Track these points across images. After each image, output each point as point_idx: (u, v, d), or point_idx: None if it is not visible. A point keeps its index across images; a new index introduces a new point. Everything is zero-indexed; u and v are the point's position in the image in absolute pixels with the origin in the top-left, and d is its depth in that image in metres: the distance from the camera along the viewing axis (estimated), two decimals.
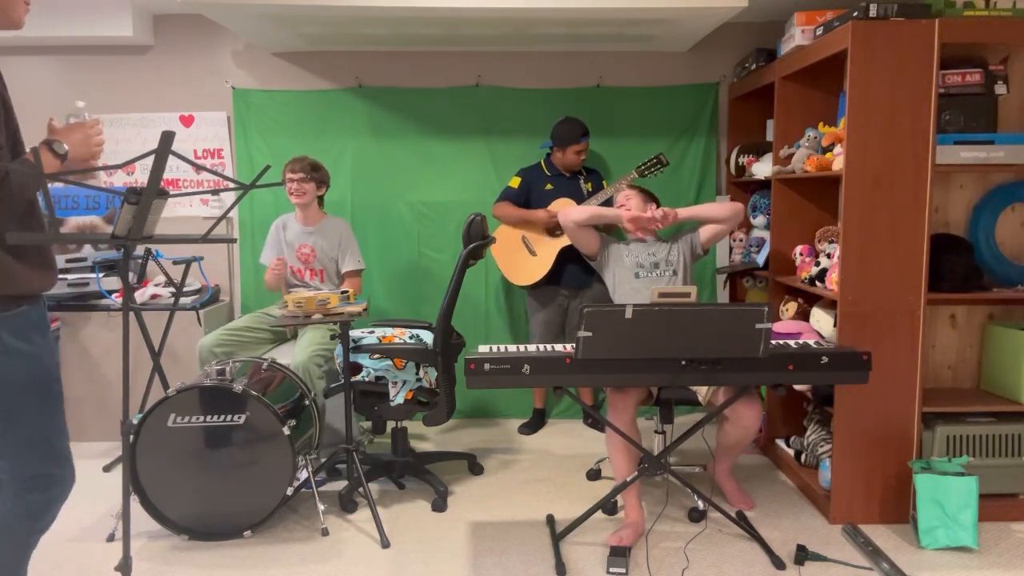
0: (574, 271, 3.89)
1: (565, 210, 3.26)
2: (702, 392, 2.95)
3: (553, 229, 3.85)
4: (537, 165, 4.00)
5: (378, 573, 2.58)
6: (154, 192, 1.87)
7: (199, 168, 1.98)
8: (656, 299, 2.56)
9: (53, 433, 1.94)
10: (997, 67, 2.88)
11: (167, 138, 1.77)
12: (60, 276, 3.82)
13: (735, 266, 4.09)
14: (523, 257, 3.89)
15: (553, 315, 3.96)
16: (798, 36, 3.23)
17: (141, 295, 3.88)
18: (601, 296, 3.95)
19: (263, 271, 3.79)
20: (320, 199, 3.73)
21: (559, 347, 2.59)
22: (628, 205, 3.26)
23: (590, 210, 3.23)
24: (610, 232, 3.64)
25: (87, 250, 3.98)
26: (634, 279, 3.11)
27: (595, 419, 4.14)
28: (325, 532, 2.87)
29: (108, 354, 3.87)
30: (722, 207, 3.21)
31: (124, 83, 4.20)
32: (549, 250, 3.84)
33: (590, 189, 3.92)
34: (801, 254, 3.36)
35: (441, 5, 3.25)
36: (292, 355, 3.45)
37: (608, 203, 3.86)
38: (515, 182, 3.96)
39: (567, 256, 3.84)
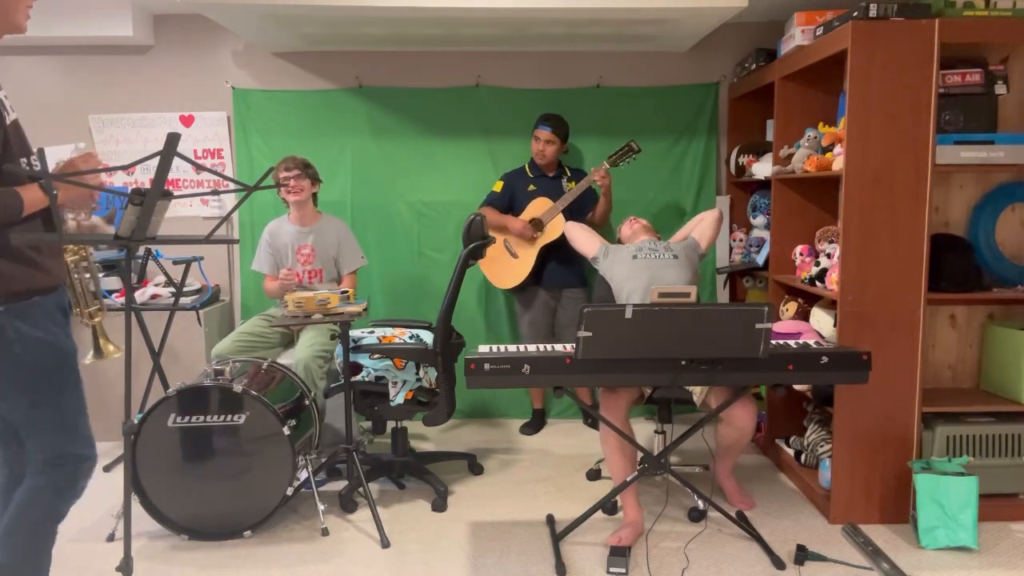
0: (555, 271, 3.92)
1: (569, 223, 3.48)
2: (696, 392, 2.95)
3: (531, 237, 3.87)
4: (521, 167, 4.03)
5: (378, 573, 2.58)
6: (158, 193, 1.87)
7: (200, 169, 1.98)
8: (656, 299, 2.56)
9: (74, 415, 2.04)
10: (997, 67, 2.88)
11: (173, 140, 1.77)
12: None
13: (735, 266, 4.09)
14: (505, 260, 3.92)
15: (540, 316, 3.98)
16: (798, 36, 3.23)
17: (141, 295, 3.88)
18: (585, 296, 3.98)
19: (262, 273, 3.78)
20: (314, 197, 3.71)
21: (559, 347, 2.59)
22: (634, 237, 3.33)
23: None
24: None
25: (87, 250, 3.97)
26: (631, 260, 3.11)
27: (595, 419, 4.15)
28: (325, 532, 2.87)
29: None
30: (705, 212, 3.40)
31: (124, 83, 4.20)
32: (529, 251, 3.86)
33: (572, 189, 3.91)
34: (801, 254, 3.36)
35: (441, 5, 3.25)
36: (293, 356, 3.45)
37: (586, 194, 3.84)
38: (498, 186, 4.01)
39: (548, 256, 3.88)
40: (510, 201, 3.95)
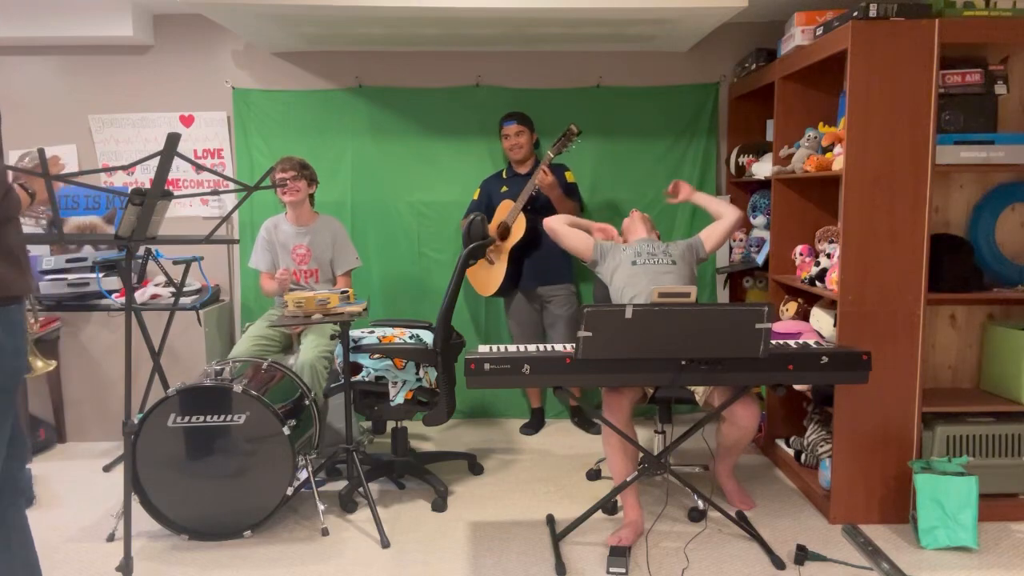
0: (529, 271, 3.91)
1: (548, 219, 3.34)
2: (699, 392, 2.95)
3: (502, 234, 3.86)
4: (498, 172, 4.05)
5: (378, 573, 2.58)
6: (159, 193, 1.87)
7: (200, 169, 1.98)
8: (656, 299, 2.56)
9: None
10: (997, 67, 2.88)
11: (173, 140, 1.78)
12: (60, 276, 3.82)
13: (735, 266, 4.09)
14: (484, 267, 3.95)
15: (525, 318, 4.00)
16: (798, 36, 3.23)
17: (141, 295, 3.88)
18: (566, 292, 3.93)
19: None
20: (311, 198, 3.70)
21: (559, 347, 2.59)
22: (632, 228, 3.30)
23: (566, 219, 3.34)
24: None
25: (87, 250, 3.98)
26: (631, 266, 3.10)
27: (582, 418, 4.13)
28: (325, 532, 2.87)
29: (108, 354, 3.87)
30: (730, 209, 3.27)
31: (124, 83, 4.20)
32: (502, 256, 3.87)
33: (527, 186, 3.81)
34: (801, 254, 3.36)
35: (441, 5, 3.25)
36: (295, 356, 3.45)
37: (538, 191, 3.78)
38: (476, 194, 4.04)
39: (520, 257, 3.88)
40: (487, 206, 3.95)
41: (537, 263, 3.90)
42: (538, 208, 3.82)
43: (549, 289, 3.94)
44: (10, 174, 1.82)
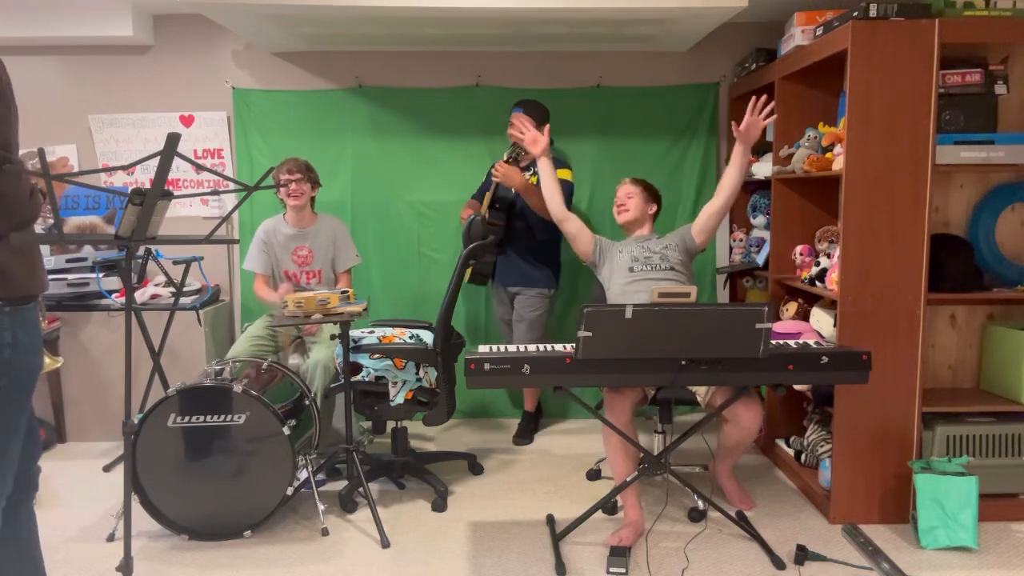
0: (504, 270, 3.90)
1: (551, 210, 3.23)
2: (701, 393, 2.95)
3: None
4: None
5: (378, 573, 2.58)
6: (159, 193, 1.87)
7: (200, 169, 1.98)
8: (656, 299, 2.56)
9: (6, 438, 1.81)
10: (997, 67, 2.88)
11: (173, 140, 1.77)
12: (60, 276, 3.82)
13: (735, 266, 4.09)
14: None
15: (503, 313, 4.01)
16: (798, 36, 3.23)
17: (141, 295, 3.88)
18: (532, 298, 3.85)
19: None
20: (311, 200, 3.70)
21: (559, 347, 2.59)
22: (628, 205, 3.22)
23: (545, 186, 3.21)
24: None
25: (87, 250, 3.98)
26: (628, 273, 3.08)
27: (520, 437, 4.00)
28: (325, 532, 2.87)
29: (108, 354, 3.87)
30: (731, 189, 3.09)
31: (124, 83, 4.20)
32: None
33: (535, 183, 3.69)
34: (801, 254, 3.36)
35: (441, 5, 3.25)
36: (303, 357, 3.45)
37: (498, 190, 3.76)
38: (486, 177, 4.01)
39: (497, 253, 3.88)
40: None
41: (510, 263, 3.86)
42: (506, 207, 3.80)
43: (520, 289, 3.88)
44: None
